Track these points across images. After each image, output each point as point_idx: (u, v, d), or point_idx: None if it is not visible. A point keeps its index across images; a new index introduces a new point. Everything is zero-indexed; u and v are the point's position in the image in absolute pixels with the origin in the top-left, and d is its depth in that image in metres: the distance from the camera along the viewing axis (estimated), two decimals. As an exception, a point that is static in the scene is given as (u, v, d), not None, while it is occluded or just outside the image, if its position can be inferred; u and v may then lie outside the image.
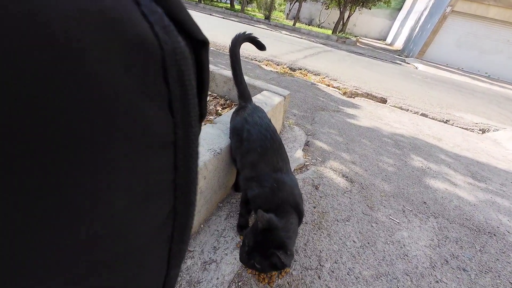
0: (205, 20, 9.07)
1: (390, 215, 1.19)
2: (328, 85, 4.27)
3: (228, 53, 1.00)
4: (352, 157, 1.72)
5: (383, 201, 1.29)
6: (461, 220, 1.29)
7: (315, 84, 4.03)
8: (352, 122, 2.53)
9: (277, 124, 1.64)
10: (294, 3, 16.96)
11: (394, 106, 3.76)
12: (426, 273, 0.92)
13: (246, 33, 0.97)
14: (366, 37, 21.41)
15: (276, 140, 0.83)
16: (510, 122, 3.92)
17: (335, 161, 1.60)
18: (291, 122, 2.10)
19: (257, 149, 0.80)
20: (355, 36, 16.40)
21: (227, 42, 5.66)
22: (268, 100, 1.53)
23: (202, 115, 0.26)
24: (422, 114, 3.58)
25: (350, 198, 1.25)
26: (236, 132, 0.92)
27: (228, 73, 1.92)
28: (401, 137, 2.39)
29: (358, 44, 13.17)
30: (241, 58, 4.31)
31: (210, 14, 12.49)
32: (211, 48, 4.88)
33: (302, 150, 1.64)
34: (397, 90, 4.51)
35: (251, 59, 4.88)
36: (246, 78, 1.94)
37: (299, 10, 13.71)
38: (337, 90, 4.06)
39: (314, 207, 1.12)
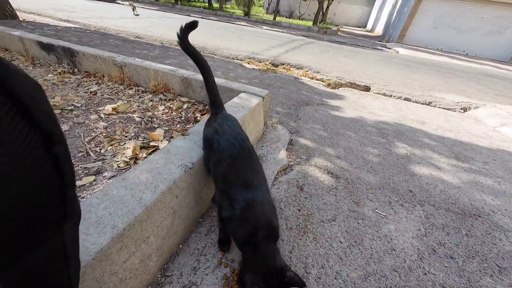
0: (182, 22, 8.84)
1: (376, 208, 1.18)
2: (312, 78, 4.26)
3: (193, 55, 0.94)
4: (337, 151, 1.70)
5: (369, 194, 1.28)
6: (447, 204, 1.30)
7: (298, 78, 4.00)
8: (337, 114, 2.52)
9: (258, 126, 1.60)
10: (273, -4, 16.80)
11: (378, 93, 3.78)
12: (414, 266, 0.92)
13: (185, 24, 0.91)
14: (347, 25, 21.57)
15: (245, 148, 0.79)
16: (489, 98, 4.02)
17: (320, 158, 1.58)
18: (274, 121, 2.06)
19: (226, 159, 0.76)
20: (336, 26, 16.48)
21: (207, 43, 5.55)
22: (245, 103, 1.48)
23: (66, 215, 0.32)
24: (405, 99, 3.62)
25: (335, 195, 1.23)
26: (208, 142, 0.87)
27: (204, 77, 1.86)
28: (385, 124, 2.40)
29: (339, 33, 13.24)
30: (222, 58, 4.20)
31: (188, 15, 12.22)
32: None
33: (286, 150, 1.61)
34: (379, 77, 4.55)
35: (233, 59, 4.80)
36: (223, 81, 1.88)
37: (278, 4, 13.61)
38: (320, 82, 4.05)
39: (299, 210, 1.09)
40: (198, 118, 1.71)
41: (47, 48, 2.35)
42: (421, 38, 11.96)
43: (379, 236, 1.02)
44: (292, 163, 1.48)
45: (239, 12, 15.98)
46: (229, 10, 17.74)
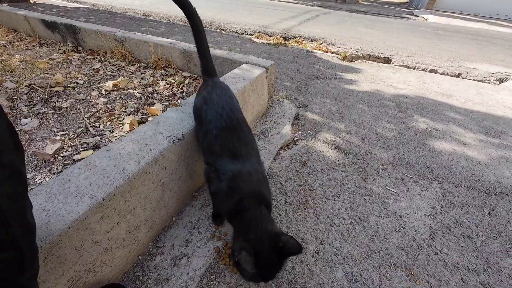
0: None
1: (386, 185, 1.08)
2: (326, 51, 3.96)
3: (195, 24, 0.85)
4: (347, 126, 1.58)
5: (380, 170, 1.18)
6: (469, 182, 1.17)
7: (311, 51, 3.72)
8: (350, 88, 2.32)
9: (260, 100, 1.50)
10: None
11: (399, 65, 3.44)
12: (424, 245, 0.84)
13: None
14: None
15: (233, 118, 0.72)
16: (532, 67, 3.52)
17: (328, 133, 1.47)
18: (281, 95, 1.94)
19: (212, 130, 0.69)
20: (356, -7, 14.95)
21: (214, 17, 5.27)
22: (246, 73, 1.38)
23: None
24: (431, 71, 3.26)
25: (342, 171, 1.15)
26: (197, 113, 0.81)
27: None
28: (405, 98, 2.18)
29: (360, 1, 12.05)
30: (230, 33, 3.99)
31: (196, -10, 11.64)
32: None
33: (291, 124, 1.51)
34: (403, 47, 4.11)
35: (242, 33, 4.54)
36: (225, 52, 1.76)
37: (291, -29, 12.45)
38: (335, 55, 3.75)
39: (300, 186, 1.03)
40: (200, 93, 1.64)
41: (51, 26, 2.33)
42: (454, 3, 10.53)
43: (387, 214, 0.94)
44: (297, 138, 1.39)
45: (249, -17, 14.90)
46: (239, -18, 16.61)
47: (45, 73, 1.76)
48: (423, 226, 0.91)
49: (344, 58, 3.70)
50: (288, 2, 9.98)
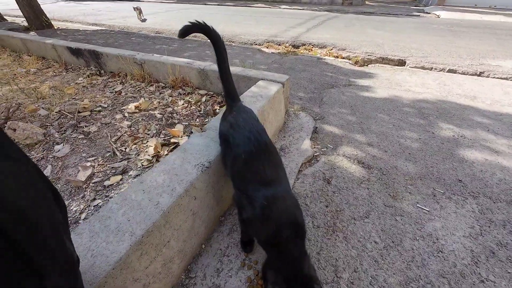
0: (200, 12, 8.75)
1: (417, 202, 1.03)
2: (337, 57, 3.93)
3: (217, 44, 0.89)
4: (368, 137, 1.54)
5: (408, 186, 1.13)
6: (508, 196, 1.09)
7: (321, 58, 3.70)
8: (366, 95, 2.27)
9: (278, 115, 1.50)
10: (290, -29, 15.56)
11: (415, 67, 3.34)
12: (467, 271, 0.78)
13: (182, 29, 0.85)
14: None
15: (261, 141, 0.72)
16: None
17: (349, 146, 1.44)
18: (296, 108, 1.94)
19: (241, 155, 0.70)
20: (363, -6, 14.84)
21: (224, 30, 5.40)
22: (263, 91, 1.39)
23: None
24: (450, 71, 3.14)
25: (368, 188, 1.11)
26: (224, 138, 0.82)
27: (220, 67, 1.79)
28: (426, 103, 2.10)
29: (367, 2, 11.93)
30: (239, 45, 4.05)
31: (204, 4, 12.04)
32: (207, 40, 4.70)
33: (310, 139, 1.49)
34: (416, 48, 3.99)
35: (251, 44, 4.62)
36: (239, 69, 1.79)
37: (296, -22, 12.61)
38: (347, 60, 3.71)
39: (327, 206, 1.01)
40: (217, 110, 1.67)
41: (76, 52, 2.49)
42: (468, -4, 10.15)
43: (422, 236, 0.90)
44: (318, 153, 1.37)
45: (255, -7, 15.22)
46: (245, -8, 17.02)
47: (73, 98, 1.87)
48: (463, 249, 0.85)
49: (356, 63, 3.65)
50: (293, 9, 10.07)
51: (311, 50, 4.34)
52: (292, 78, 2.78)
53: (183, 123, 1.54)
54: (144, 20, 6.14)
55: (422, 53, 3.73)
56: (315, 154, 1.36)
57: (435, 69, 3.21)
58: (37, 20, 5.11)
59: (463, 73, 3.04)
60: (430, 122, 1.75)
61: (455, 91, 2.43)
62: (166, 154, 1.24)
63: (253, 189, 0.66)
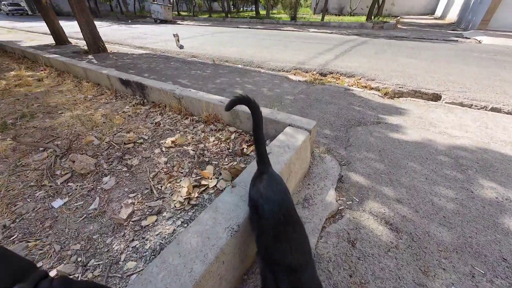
0: (232, 35, 9.35)
1: (452, 284, 0.96)
2: (365, 87, 3.88)
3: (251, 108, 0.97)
4: (397, 192, 1.48)
5: (442, 259, 1.06)
6: None
7: (349, 89, 3.68)
8: (396, 137, 2.20)
9: (304, 163, 1.54)
10: (321, -5, 16.08)
11: (452, 103, 3.16)
12: None
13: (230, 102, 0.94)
14: (408, 14, 18.88)
15: (289, 221, 0.76)
16: None
17: (376, 201, 1.40)
18: (322, 150, 1.95)
19: (269, 230, 0.75)
20: (395, 17, 14.65)
21: (254, 55, 5.69)
22: (291, 140, 1.45)
23: None
24: (493, 109, 2.91)
25: (396, 258, 1.07)
26: (253, 203, 0.88)
27: (251, 108, 1.90)
28: (464, 151, 1.97)
29: (399, 26, 11.70)
30: (268, 71, 4.23)
31: (237, 27, 12.86)
32: (238, 65, 4.98)
33: (335, 189, 1.49)
34: (454, 80, 3.79)
35: (279, 71, 4.77)
36: (268, 111, 1.88)
37: (326, 3, 12.98)
38: (376, 92, 3.64)
39: (350, 276, 0.99)
40: (245, 150, 1.76)
41: (125, 83, 2.83)
42: (516, 20, 9.44)
43: (457, 326, 0.83)
44: (342, 207, 1.36)
45: (285, 17, 15.93)
46: (275, 16, 17.90)
47: (120, 129, 2.12)
48: None
49: (386, 95, 3.56)
50: (322, 32, 10.25)
51: (339, 78, 4.35)
52: (318, 111, 2.81)
53: (213, 162, 1.65)
54: (181, 47, 6.71)
55: (460, 87, 3.53)
56: (339, 208, 1.35)
57: (476, 106, 3.00)
58: (95, 45, 5.93)
59: (509, 113, 2.79)
60: (469, 177, 1.63)
61: (499, 136, 2.24)
62: (197, 196, 1.33)
63: (279, 269, 0.70)
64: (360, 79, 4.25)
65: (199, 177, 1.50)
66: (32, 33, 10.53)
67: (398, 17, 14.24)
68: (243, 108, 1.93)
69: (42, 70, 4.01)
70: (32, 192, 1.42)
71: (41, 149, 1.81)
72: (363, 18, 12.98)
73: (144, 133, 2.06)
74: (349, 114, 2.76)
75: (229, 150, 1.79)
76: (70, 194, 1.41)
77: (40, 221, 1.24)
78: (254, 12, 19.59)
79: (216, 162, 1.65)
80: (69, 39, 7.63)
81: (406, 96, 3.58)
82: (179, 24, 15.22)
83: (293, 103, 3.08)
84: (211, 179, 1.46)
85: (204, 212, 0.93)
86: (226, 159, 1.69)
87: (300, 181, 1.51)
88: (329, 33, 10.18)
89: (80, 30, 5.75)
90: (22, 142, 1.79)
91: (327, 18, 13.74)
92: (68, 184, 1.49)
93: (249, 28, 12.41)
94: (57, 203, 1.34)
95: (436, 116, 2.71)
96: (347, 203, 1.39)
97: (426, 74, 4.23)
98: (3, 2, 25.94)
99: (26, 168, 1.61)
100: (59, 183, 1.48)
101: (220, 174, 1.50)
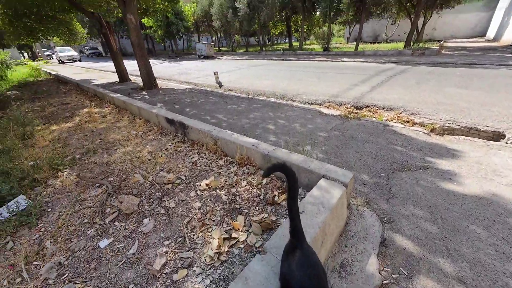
0: (266, 68, 9.91)
1: None
2: (407, 122, 3.59)
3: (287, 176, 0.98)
4: (458, 267, 1.24)
5: None
6: None
7: (388, 124, 3.44)
8: (450, 188, 1.92)
9: (340, 221, 1.43)
10: (354, 25, 16.39)
11: (521, 145, 2.70)
12: None
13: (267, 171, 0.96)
14: (453, 38, 17.68)
15: None
16: None
17: (429, 278, 1.19)
18: (359, 201, 1.80)
19: None
20: (438, 41, 13.85)
21: (287, 89, 5.87)
22: (325, 197, 1.38)
23: None
24: None
25: None
26: (284, 279, 0.83)
27: (283, 153, 1.91)
28: (546, 214, 1.60)
29: (443, 51, 10.96)
30: (300, 105, 4.24)
31: (271, 59, 13.67)
32: (271, 99, 5.17)
33: (378, 255, 1.32)
34: (521, 117, 3.28)
35: (311, 104, 4.78)
36: (301, 159, 1.85)
37: (360, 32, 13.08)
38: (420, 129, 3.33)
39: None
40: (276, 198, 1.74)
41: (170, 121, 3.16)
42: None
43: None
44: (387, 280, 1.19)
45: (318, 47, 16.45)
46: (308, 47, 18.62)
47: (162, 167, 2.32)
48: None
49: (432, 131, 3.23)
50: (356, 61, 10.17)
51: (376, 112, 4.13)
52: (354, 151, 2.66)
53: (244, 210, 1.65)
54: (220, 84, 7.28)
55: (530, 125, 3.03)
56: (384, 282, 1.18)
57: (556, 151, 2.50)
58: (149, 82, 6.89)
59: None
60: (558, 253, 1.30)
61: None
62: (227, 251, 1.33)
63: None
64: (400, 113, 3.98)
65: (230, 227, 1.50)
66: (103, 72, 12.84)
67: (442, 42, 13.43)
68: (275, 154, 1.95)
69: (106, 107, 4.77)
70: (85, 229, 1.60)
71: (97, 185, 2.07)
72: (400, 45, 12.60)
73: (182, 172, 2.21)
74: (389, 156, 2.55)
75: (260, 197, 1.78)
76: (115, 234, 1.55)
77: (87, 261, 1.37)
78: (288, 44, 20.72)
79: (247, 211, 1.65)
80: (130, 76, 9.04)
81: (458, 133, 3.20)
82: (219, 58, 16.90)
83: (326, 141, 2.99)
84: (241, 231, 1.45)
85: (235, 283, 0.91)
86: (257, 207, 1.68)
87: (335, 241, 1.40)
88: (364, 61, 10.05)
89: (139, 70, 6.79)
90: (83, 179, 2.08)
91: (361, 46, 13.73)
92: (114, 223, 1.64)
93: (283, 60, 13.06)
94: (103, 243, 1.47)
95: (501, 162, 2.32)
96: (393, 275, 1.22)
97: (481, 107, 3.77)
98: (86, 47, 32.87)
99: (83, 204, 1.85)
100: (107, 222, 1.64)
101: (251, 225, 1.49)
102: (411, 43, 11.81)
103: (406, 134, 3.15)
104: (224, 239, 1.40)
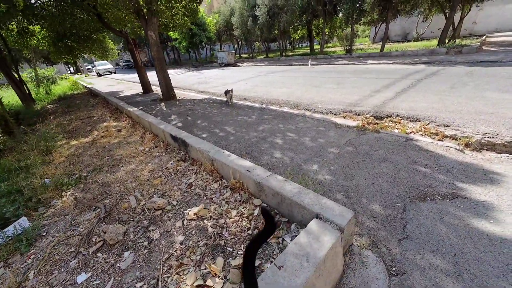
0: (283, 75, 9.69)
1: None
2: (436, 135, 3.08)
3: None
4: None
5: None
6: None
7: (412, 138, 2.98)
8: (484, 228, 1.54)
9: (333, 273, 1.19)
10: (380, 25, 15.38)
11: None
12: None
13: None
14: (497, 32, 15.54)
15: None
16: None
17: None
18: (363, 241, 1.52)
19: None
20: (479, 37, 12.30)
21: (301, 97, 5.56)
22: (313, 246, 1.16)
23: None
24: None
25: None
26: None
27: (277, 182, 1.72)
28: None
29: (484, 47, 9.64)
30: (314, 116, 3.89)
31: (290, 65, 13.41)
32: (284, 109, 4.95)
33: (377, 324, 1.06)
34: None
35: (326, 113, 4.44)
36: (295, 190, 1.63)
37: (386, 32, 12.20)
38: (451, 143, 2.83)
39: None
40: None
41: (174, 138, 3.16)
42: None
43: None
44: None
45: (340, 50, 15.76)
46: (330, 50, 17.98)
47: (157, 189, 2.27)
48: None
49: (467, 146, 2.72)
50: (381, 63, 9.45)
51: (399, 123, 3.66)
52: (367, 172, 2.33)
53: (227, 248, 1.50)
54: (231, 97, 6.99)
55: None
56: None
57: None
58: (168, 93, 7.16)
59: None
60: None
61: None
62: (198, 302, 1.18)
63: None
64: (428, 124, 3.47)
65: (207, 270, 1.36)
66: (132, 83, 13.80)
67: (484, 37, 11.89)
68: (268, 183, 1.77)
69: (124, 121, 5.02)
70: (69, 259, 1.59)
71: (93, 207, 2.09)
72: (433, 43, 11.45)
73: (175, 196, 2.13)
74: (410, 179, 2.18)
75: (249, 231, 1.61)
76: (94, 267, 1.50)
77: (63, 298, 1.33)
78: (309, 48, 20.26)
79: (231, 249, 1.49)
80: (153, 87, 9.53)
81: (500, 150, 2.66)
82: (239, 66, 17.13)
83: (337, 158, 2.68)
84: (218, 276, 1.29)
85: None
86: (243, 245, 1.51)
87: (325, 299, 1.16)
88: (390, 63, 9.29)
89: (158, 82, 7.12)
90: (80, 202, 2.13)
91: (387, 47, 12.78)
92: (97, 254, 1.60)
93: (302, 64, 12.70)
94: (81, 278, 1.43)
95: (560, 192, 1.83)
96: None
97: (534, 117, 3.14)
98: (121, 60, 36.17)
99: (75, 230, 1.86)
100: (90, 252, 1.62)
101: (229, 271, 1.32)
102: (446, 41, 10.64)
103: (432, 150, 2.71)
104: (197, 286, 1.26)
